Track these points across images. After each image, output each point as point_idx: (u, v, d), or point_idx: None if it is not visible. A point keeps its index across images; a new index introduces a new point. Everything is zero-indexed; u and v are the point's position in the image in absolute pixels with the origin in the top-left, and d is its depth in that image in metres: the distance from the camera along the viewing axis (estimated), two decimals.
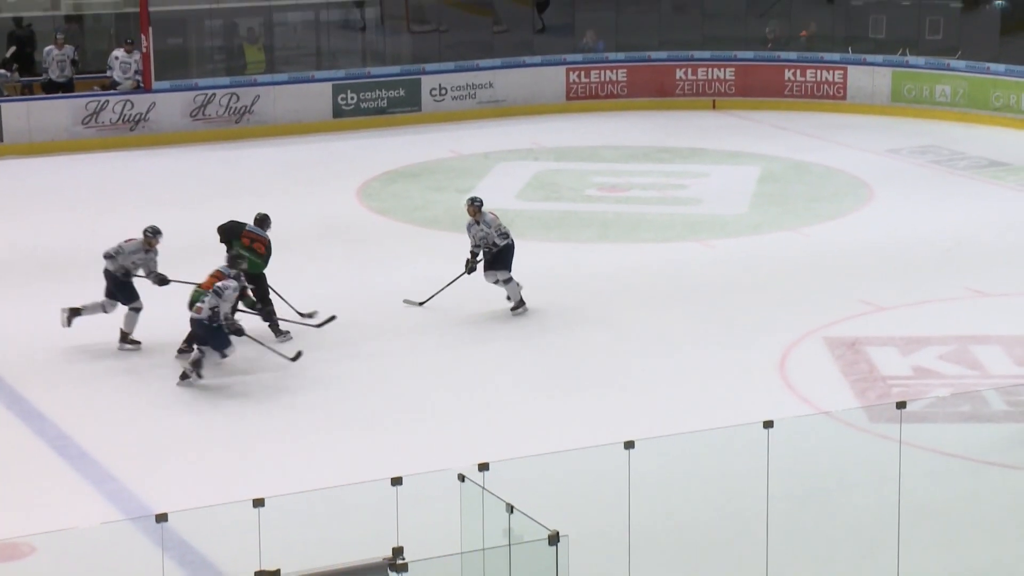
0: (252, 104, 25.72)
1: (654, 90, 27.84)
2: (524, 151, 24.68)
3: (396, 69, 26.99)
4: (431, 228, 19.54)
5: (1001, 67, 26.09)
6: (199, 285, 14.99)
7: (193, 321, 14.67)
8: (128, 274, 15.45)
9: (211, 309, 14.40)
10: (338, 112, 26.35)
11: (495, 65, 27.40)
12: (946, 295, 17.08)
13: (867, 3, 28.13)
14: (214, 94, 25.52)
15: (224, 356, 14.58)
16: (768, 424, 10.21)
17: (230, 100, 25.59)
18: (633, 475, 10.02)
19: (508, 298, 16.42)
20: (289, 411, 14.17)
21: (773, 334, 15.95)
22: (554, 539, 8.84)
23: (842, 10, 28.09)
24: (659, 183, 22.52)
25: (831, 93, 27.37)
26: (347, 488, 10.88)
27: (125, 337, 15.52)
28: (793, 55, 27.62)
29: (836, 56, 27.41)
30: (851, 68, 27.24)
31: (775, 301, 17.11)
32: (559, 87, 27.66)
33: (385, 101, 26.61)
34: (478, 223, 16.24)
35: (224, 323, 14.45)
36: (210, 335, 14.46)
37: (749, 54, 27.90)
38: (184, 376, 14.53)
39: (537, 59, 27.73)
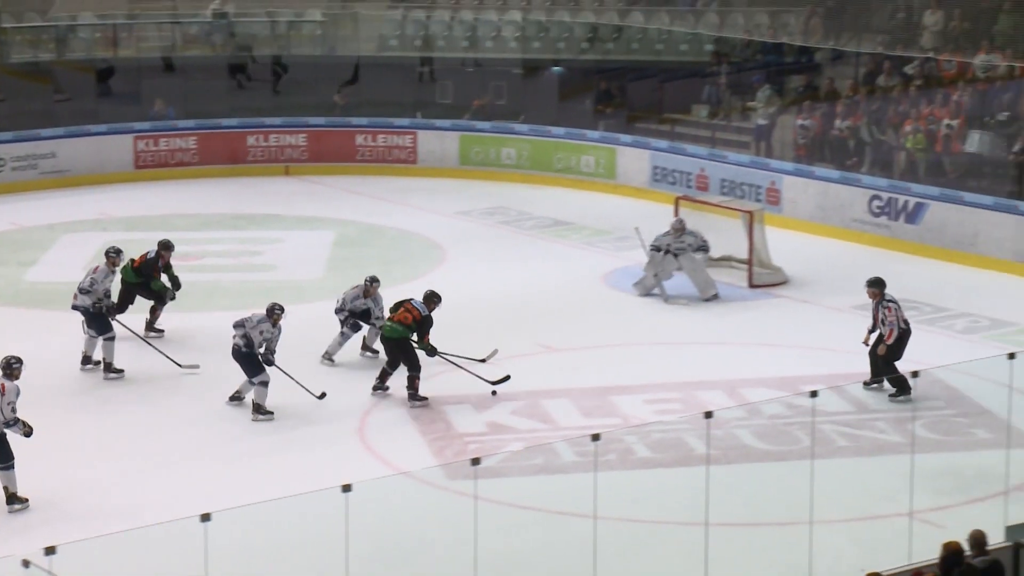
0: None
1: (226, 157, 27.58)
2: (91, 222, 23.93)
3: None
4: None
5: (561, 130, 27.20)
6: (390, 318, 15.98)
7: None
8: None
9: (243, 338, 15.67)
10: None
11: (58, 134, 26.49)
12: (518, 351, 17.55)
13: (433, 69, 28.84)
14: None
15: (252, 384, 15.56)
16: (347, 488, 10.19)
17: None
18: (211, 548, 9.79)
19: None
20: None
21: (352, 397, 15.99)
22: None
23: (410, 76, 28.67)
24: (233, 250, 22.28)
25: (402, 157, 27.83)
26: None
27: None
28: (364, 120, 27.95)
29: (406, 121, 27.92)
30: (421, 133, 27.80)
31: (352, 364, 17.16)
32: (127, 155, 27.00)
33: None
34: (365, 297, 17.10)
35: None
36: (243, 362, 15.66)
37: (321, 120, 28.06)
38: None
39: (103, 127, 26.98)
